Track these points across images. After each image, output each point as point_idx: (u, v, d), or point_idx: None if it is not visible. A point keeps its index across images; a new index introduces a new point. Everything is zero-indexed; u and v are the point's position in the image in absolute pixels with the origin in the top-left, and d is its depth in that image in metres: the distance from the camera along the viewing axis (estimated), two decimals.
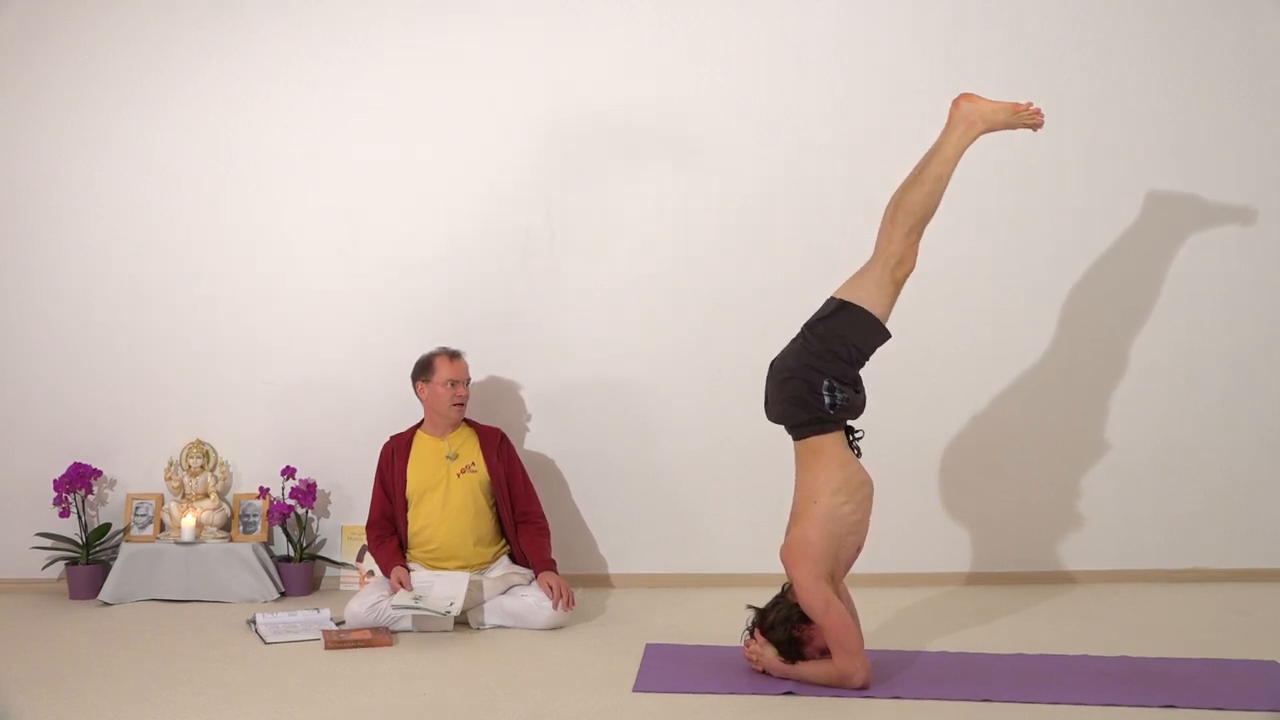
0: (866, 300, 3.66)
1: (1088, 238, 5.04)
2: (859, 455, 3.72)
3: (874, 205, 4.98)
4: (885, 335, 3.69)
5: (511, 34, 5.15)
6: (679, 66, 5.12)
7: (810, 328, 3.70)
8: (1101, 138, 5.01)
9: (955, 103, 3.81)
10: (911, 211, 3.69)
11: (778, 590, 3.74)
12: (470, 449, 4.70)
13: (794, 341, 3.73)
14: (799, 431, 3.68)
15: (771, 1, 5.09)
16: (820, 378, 3.59)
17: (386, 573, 4.55)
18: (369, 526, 4.71)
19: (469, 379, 4.75)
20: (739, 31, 5.10)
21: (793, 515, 3.68)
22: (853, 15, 5.07)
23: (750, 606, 3.77)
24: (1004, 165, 4.87)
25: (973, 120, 3.76)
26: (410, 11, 5.18)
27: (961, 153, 3.75)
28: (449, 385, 4.65)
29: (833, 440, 3.64)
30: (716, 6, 5.11)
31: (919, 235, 3.71)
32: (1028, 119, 3.83)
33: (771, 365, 3.76)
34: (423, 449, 4.70)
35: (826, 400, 3.59)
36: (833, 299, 3.72)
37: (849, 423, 3.72)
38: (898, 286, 3.71)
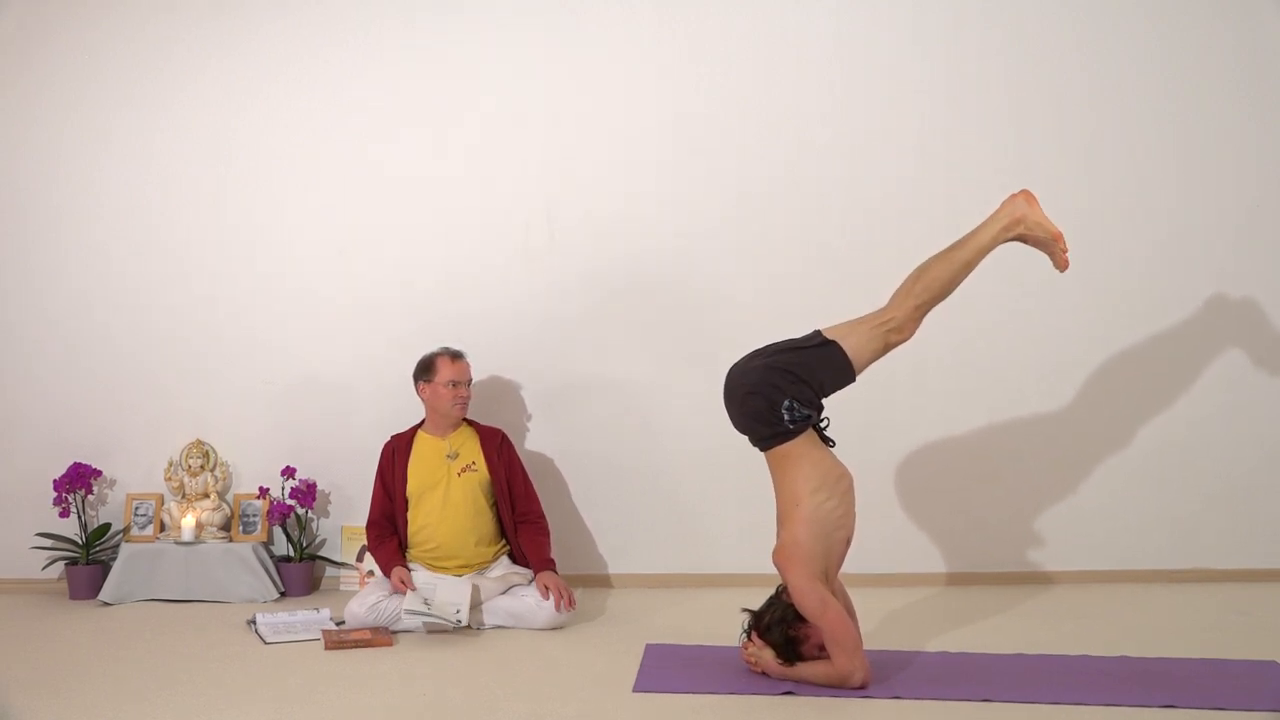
0: (852, 348, 3.65)
1: (1087, 238, 5.02)
2: (832, 445, 3.71)
3: (874, 205, 5.04)
4: (851, 380, 3.69)
5: (511, 34, 5.16)
6: (679, 66, 5.12)
7: (783, 350, 3.68)
8: (1101, 138, 5.01)
9: (1013, 196, 3.78)
10: (930, 286, 3.68)
11: (775, 591, 3.73)
12: (471, 448, 4.70)
13: (757, 357, 3.70)
14: (764, 444, 3.69)
15: (771, 1, 5.09)
16: (782, 397, 3.59)
17: (386, 572, 4.55)
18: (369, 526, 4.70)
19: (470, 380, 4.74)
20: (739, 31, 5.10)
21: (779, 520, 3.67)
22: (853, 15, 5.07)
23: (745, 610, 3.76)
24: (1003, 166, 4.87)
25: (1018, 219, 3.74)
26: (410, 11, 5.18)
27: (995, 246, 3.74)
28: (450, 386, 4.65)
29: (799, 443, 3.62)
30: (716, 6, 5.11)
31: (926, 313, 3.72)
32: (1057, 254, 3.80)
33: (731, 372, 3.73)
34: (423, 448, 4.69)
35: (786, 418, 3.59)
36: (819, 333, 3.71)
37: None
38: (886, 349, 3.71)
